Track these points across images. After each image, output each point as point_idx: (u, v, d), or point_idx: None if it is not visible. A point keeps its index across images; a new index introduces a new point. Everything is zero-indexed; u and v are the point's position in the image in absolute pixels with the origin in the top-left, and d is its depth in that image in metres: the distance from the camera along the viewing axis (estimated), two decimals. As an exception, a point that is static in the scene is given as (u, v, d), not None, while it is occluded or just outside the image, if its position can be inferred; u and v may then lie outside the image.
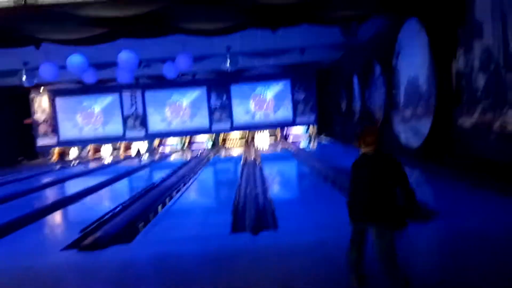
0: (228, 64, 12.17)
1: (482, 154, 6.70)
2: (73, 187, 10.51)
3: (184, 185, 8.67)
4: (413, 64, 9.65)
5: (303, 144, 17.55)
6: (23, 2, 4.78)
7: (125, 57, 9.16)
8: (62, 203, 7.77)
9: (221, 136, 21.74)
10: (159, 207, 6.35)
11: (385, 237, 2.60)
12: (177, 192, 7.78)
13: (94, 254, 4.42)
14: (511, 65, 5.88)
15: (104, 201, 8.50)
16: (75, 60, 10.10)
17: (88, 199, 8.33)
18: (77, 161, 18.63)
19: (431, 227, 4.44)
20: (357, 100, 15.29)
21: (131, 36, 8.42)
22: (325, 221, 4.17)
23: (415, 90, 9.72)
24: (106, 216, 5.99)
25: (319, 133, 21.40)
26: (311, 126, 21.75)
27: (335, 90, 18.85)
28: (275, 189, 7.68)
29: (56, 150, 20.39)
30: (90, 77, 11.47)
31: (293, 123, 21.55)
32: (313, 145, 17.32)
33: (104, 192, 9.27)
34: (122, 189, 9.89)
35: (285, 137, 21.74)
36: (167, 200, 6.97)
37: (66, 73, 11.13)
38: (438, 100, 8.30)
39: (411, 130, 10.06)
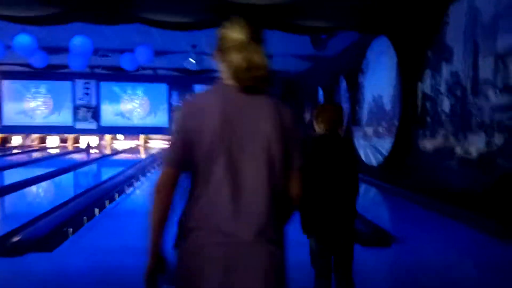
0: (192, 62, 11.64)
1: (441, 179, 6.62)
2: (8, 177, 9.63)
3: (129, 186, 8.01)
4: (379, 82, 9.58)
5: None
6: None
7: (79, 42, 8.43)
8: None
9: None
10: (96, 210, 5.71)
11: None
12: (119, 194, 7.14)
13: (11, 261, 3.80)
14: (478, 92, 5.82)
15: (35, 198, 7.74)
16: (23, 40, 9.25)
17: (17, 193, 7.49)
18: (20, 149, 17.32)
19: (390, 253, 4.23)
20: (320, 113, 15.17)
21: (86, 20, 7.75)
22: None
23: (379, 108, 9.65)
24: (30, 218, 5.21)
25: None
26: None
27: (299, 101, 18.74)
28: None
29: (-2, 135, 18.98)
30: (39, 61, 10.57)
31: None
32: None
33: (39, 186, 8.45)
34: (58, 186, 9.11)
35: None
36: (106, 202, 6.33)
37: (14, 54, 10.22)
38: (401, 121, 8.21)
39: (371, 148, 9.97)
